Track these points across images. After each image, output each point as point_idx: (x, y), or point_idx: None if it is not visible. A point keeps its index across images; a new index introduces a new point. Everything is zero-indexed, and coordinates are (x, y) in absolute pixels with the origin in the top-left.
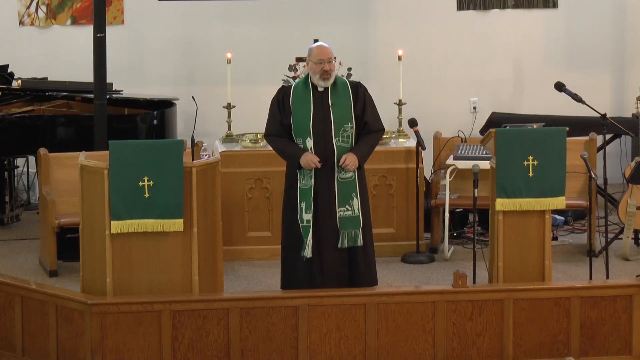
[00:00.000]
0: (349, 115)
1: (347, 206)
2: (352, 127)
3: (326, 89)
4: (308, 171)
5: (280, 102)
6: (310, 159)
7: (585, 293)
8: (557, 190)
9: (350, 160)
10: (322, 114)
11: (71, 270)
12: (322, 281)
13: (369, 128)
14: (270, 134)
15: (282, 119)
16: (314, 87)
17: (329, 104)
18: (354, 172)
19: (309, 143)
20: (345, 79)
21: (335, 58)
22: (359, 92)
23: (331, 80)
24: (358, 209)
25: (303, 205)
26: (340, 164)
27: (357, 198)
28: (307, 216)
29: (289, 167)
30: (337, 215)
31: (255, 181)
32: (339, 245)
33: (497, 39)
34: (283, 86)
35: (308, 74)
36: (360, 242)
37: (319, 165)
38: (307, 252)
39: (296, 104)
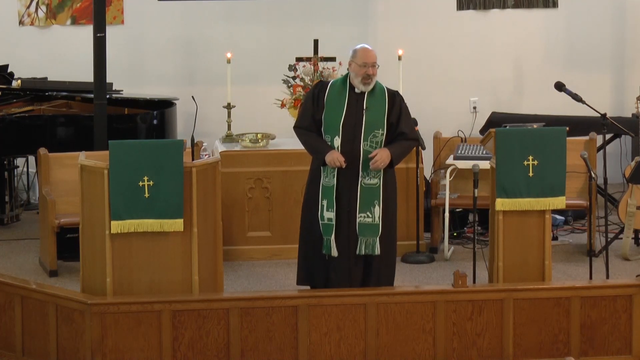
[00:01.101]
0: (381, 121)
1: (367, 212)
2: (382, 134)
3: (363, 92)
4: (332, 169)
5: (315, 96)
6: (335, 157)
7: (585, 293)
8: (557, 190)
9: (381, 155)
10: (354, 116)
11: (71, 270)
12: (336, 281)
13: (405, 137)
14: (300, 126)
15: (315, 113)
16: (352, 87)
17: (363, 107)
18: (379, 179)
19: (337, 142)
20: (383, 85)
21: (335, 58)
22: (396, 100)
23: (372, 85)
24: (379, 217)
25: (325, 202)
26: (371, 155)
27: (379, 206)
28: (329, 214)
29: (313, 162)
30: (357, 220)
31: (255, 181)
32: (357, 252)
33: (497, 39)
34: (321, 81)
35: (347, 74)
36: (377, 251)
37: (344, 165)
38: (333, 251)
39: (331, 101)
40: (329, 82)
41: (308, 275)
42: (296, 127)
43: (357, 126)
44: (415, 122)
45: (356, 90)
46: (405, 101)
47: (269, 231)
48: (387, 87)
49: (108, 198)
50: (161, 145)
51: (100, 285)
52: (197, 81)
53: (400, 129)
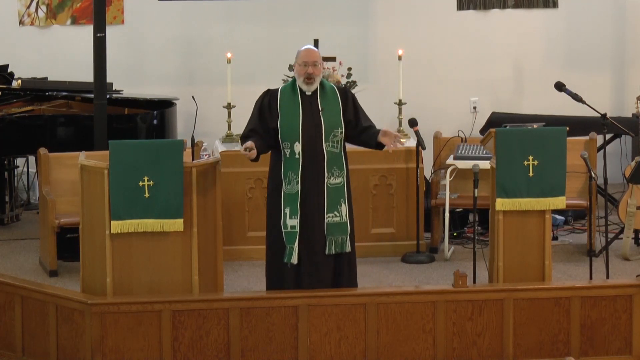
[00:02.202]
0: (338, 120)
1: (335, 212)
2: (341, 132)
3: (314, 93)
4: (294, 176)
5: (266, 106)
6: (242, 149)
7: (585, 293)
8: (557, 190)
9: (393, 131)
10: (311, 119)
11: (71, 270)
12: (309, 285)
13: (373, 128)
14: (244, 136)
15: (267, 122)
16: (302, 91)
17: (318, 109)
18: (343, 177)
19: (297, 147)
20: (332, 84)
21: (335, 58)
22: (348, 96)
23: (315, 85)
24: (346, 215)
25: (287, 210)
26: (390, 134)
27: (345, 204)
28: (292, 222)
29: (273, 169)
30: (325, 220)
31: (255, 181)
32: (327, 252)
33: (497, 39)
34: (269, 89)
35: (294, 78)
36: (348, 248)
37: (247, 153)
38: (293, 259)
39: (284, 107)
40: (277, 89)
41: (278, 282)
42: (241, 137)
43: (317, 129)
44: (415, 122)
45: (306, 92)
46: (405, 101)
47: None
48: (335, 85)
49: (108, 198)
50: (161, 145)
51: (100, 285)
52: (197, 81)
53: (365, 123)
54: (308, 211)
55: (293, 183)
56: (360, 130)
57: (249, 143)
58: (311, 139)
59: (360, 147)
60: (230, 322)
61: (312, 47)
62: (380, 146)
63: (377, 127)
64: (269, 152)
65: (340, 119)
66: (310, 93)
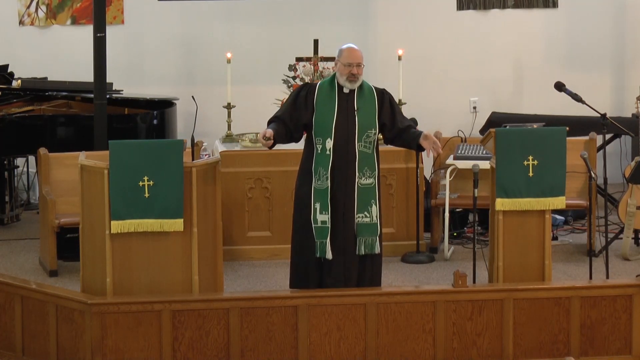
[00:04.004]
0: (373, 121)
1: (365, 212)
2: (375, 134)
3: (352, 92)
4: (324, 172)
5: (303, 98)
6: (261, 136)
7: (585, 293)
8: (557, 190)
9: (434, 138)
10: (346, 117)
11: (71, 270)
12: (332, 284)
13: (413, 128)
14: (270, 120)
15: (300, 114)
16: (340, 88)
17: (354, 108)
18: (374, 178)
19: (329, 144)
20: (370, 84)
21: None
22: (385, 98)
23: (358, 83)
24: (376, 216)
25: (318, 205)
26: (431, 139)
27: (375, 205)
28: (323, 217)
29: (305, 163)
30: (355, 221)
31: (255, 181)
32: (357, 252)
33: (497, 39)
34: (307, 83)
35: (334, 74)
36: (377, 249)
37: (264, 141)
38: (328, 254)
39: (320, 102)
40: (315, 84)
41: (303, 278)
42: (269, 121)
43: (350, 127)
44: (415, 122)
45: (344, 90)
46: (405, 101)
47: (269, 231)
48: (374, 86)
49: (108, 198)
50: (161, 145)
51: (100, 285)
52: (197, 81)
53: (403, 123)
54: (336, 209)
55: (323, 179)
56: (398, 131)
57: (269, 132)
58: (343, 137)
59: (402, 147)
60: (230, 322)
61: (355, 46)
62: (421, 148)
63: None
64: (301, 147)
65: (375, 120)
66: (348, 91)
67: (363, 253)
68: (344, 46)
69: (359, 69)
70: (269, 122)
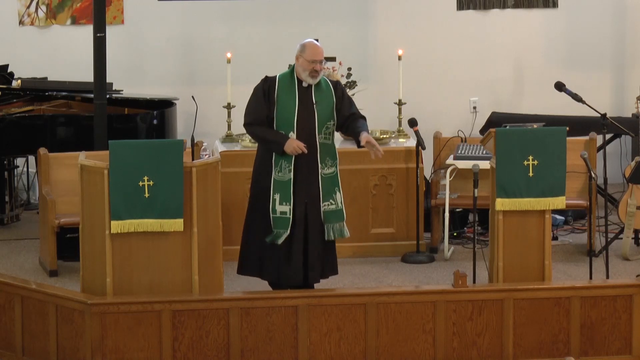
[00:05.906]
0: (331, 113)
1: (330, 200)
2: (333, 125)
3: (310, 85)
4: (287, 164)
5: (266, 92)
6: (296, 145)
7: (585, 293)
8: (557, 190)
9: (373, 141)
10: (306, 110)
11: (71, 270)
12: (292, 275)
13: (356, 116)
14: (250, 123)
15: (267, 109)
16: (299, 82)
17: (312, 101)
18: (335, 167)
19: (292, 137)
20: (325, 77)
21: (335, 58)
22: (338, 89)
23: (318, 79)
24: (341, 202)
25: (277, 196)
26: (368, 143)
27: (339, 192)
28: (283, 208)
29: (262, 156)
30: (322, 209)
31: None
32: (326, 238)
33: (497, 39)
34: (267, 76)
35: (293, 68)
36: (347, 233)
37: (306, 151)
38: (280, 240)
39: (282, 96)
40: (274, 77)
41: (256, 265)
42: (247, 125)
43: (310, 120)
44: (415, 122)
45: (303, 84)
46: (405, 101)
47: None
48: (329, 79)
49: (108, 198)
50: (161, 145)
51: (100, 285)
52: (197, 81)
53: (349, 111)
54: (299, 200)
55: (285, 170)
56: (343, 119)
57: (299, 142)
58: (305, 129)
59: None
60: (230, 322)
61: (317, 43)
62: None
63: (378, 126)
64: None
65: (333, 112)
66: (306, 85)
67: (333, 238)
68: (306, 41)
69: (321, 65)
70: (249, 125)
